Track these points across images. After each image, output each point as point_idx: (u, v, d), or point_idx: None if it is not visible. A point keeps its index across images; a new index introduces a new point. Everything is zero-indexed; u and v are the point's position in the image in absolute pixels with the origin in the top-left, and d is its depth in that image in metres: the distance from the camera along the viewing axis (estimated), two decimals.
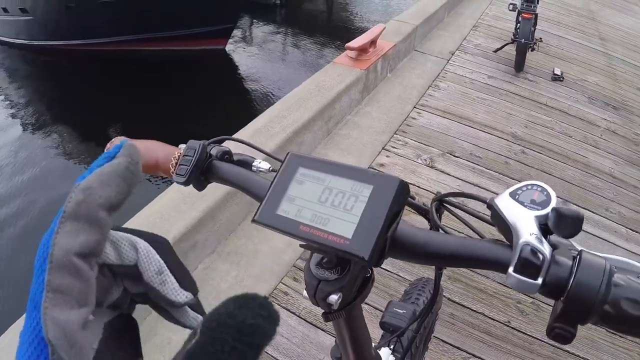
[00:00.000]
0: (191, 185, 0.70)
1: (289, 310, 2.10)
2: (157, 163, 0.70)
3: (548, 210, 0.47)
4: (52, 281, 0.28)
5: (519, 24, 4.76)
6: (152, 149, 0.71)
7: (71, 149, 6.53)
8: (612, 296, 0.40)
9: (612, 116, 4.51)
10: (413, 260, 0.53)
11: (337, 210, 0.49)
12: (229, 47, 9.36)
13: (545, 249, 0.43)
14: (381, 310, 1.17)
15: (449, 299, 2.27)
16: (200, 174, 0.69)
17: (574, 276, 0.42)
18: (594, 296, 0.41)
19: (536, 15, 4.69)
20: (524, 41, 4.60)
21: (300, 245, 0.52)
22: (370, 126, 3.48)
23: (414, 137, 3.46)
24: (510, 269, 0.44)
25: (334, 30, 11.81)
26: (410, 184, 2.98)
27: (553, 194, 0.48)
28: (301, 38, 10.78)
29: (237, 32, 10.08)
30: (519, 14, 4.73)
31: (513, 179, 3.23)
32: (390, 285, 2.27)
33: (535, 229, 0.45)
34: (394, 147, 3.30)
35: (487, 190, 3.07)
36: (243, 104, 7.75)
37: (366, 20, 11.53)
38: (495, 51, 5.13)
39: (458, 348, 2.08)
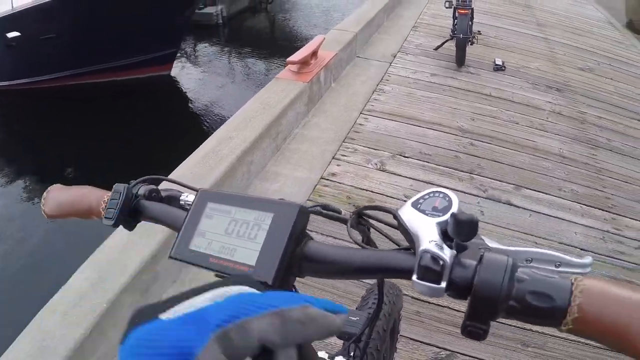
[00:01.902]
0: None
1: None
2: (89, 208, 0.72)
3: (447, 216, 0.48)
4: None
5: (456, 20, 4.84)
6: (85, 195, 0.73)
7: (17, 190, 6.31)
8: (516, 291, 0.42)
9: (557, 98, 4.61)
10: (327, 276, 0.55)
11: (242, 240, 0.52)
12: (174, 72, 9.30)
13: (446, 254, 0.45)
14: None
15: (412, 297, 2.25)
16: (128, 215, 0.70)
17: (477, 276, 0.43)
18: (497, 293, 0.42)
19: (472, 9, 4.80)
20: (462, 36, 4.69)
21: (215, 276, 0.53)
22: (319, 137, 3.48)
23: (363, 142, 3.47)
24: (414, 277, 0.45)
25: (277, 45, 11.86)
26: (363, 189, 2.98)
27: (455, 200, 0.50)
28: (246, 55, 10.81)
29: (181, 56, 10.03)
30: (455, 10, 4.83)
31: (464, 171, 3.26)
32: (352, 292, 2.24)
33: (435, 236, 0.46)
34: (344, 155, 3.30)
35: (440, 186, 3.05)
36: (192, 129, 7.69)
37: (309, 33, 11.57)
38: (436, 49, 5.20)
39: (428, 344, 2.08)
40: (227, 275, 0.51)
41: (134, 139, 6.99)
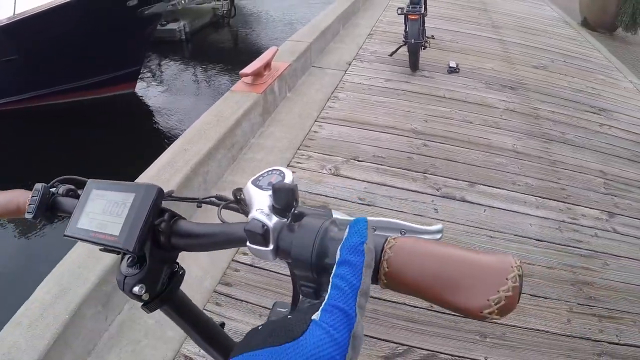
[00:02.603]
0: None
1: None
2: (17, 207, 0.81)
3: None
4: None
5: (407, 26, 4.88)
6: (15, 197, 0.83)
7: None
8: (322, 248, 0.45)
9: (510, 96, 4.68)
10: (195, 249, 0.62)
11: (112, 217, 0.61)
12: (138, 88, 9.24)
13: (271, 220, 0.49)
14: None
15: (371, 297, 2.24)
16: (46, 210, 0.77)
17: (294, 239, 0.47)
18: (308, 253, 0.45)
19: (422, 15, 4.85)
20: (414, 41, 4.73)
21: (100, 250, 0.63)
22: (274, 146, 3.48)
23: (317, 149, 3.47)
24: (248, 242, 0.50)
25: (240, 58, 11.81)
26: (317, 194, 2.98)
27: (288, 174, 0.58)
28: (209, 69, 10.81)
29: (145, 73, 9.98)
30: (406, 16, 4.87)
31: (417, 172, 3.28)
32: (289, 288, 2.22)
33: (264, 206, 0.52)
34: (298, 162, 3.30)
35: (394, 187, 3.11)
36: (155, 144, 7.64)
37: (271, 45, 11.55)
38: (391, 55, 5.25)
39: (385, 340, 2.08)
40: (102, 245, 0.61)
41: (96, 155, 6.94)
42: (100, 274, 2.04)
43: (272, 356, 0.36)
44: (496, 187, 3.20)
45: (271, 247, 0.49)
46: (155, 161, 2.86)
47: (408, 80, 4.76)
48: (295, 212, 0.50)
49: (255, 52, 11.54)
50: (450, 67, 5.07)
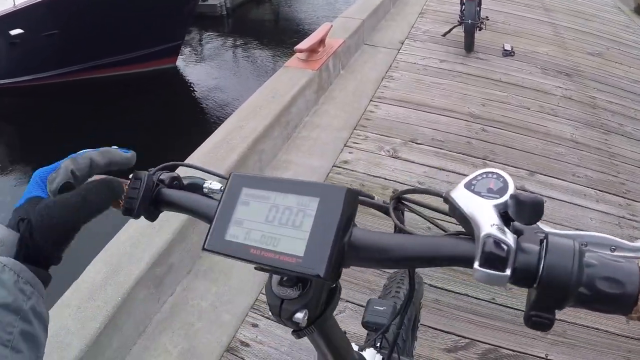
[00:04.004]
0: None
1: (273, 320, 2.04)
2: None
3: (506, 197, 0.45)
4: None
5: (464, 6, 4.78)
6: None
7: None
8: (586, 277, 0.39)
9: (566, 83, 4.56)
10: (374, 266, 0.54)
11: (286, 228, 0.48)
12: (180, 64, 9.23)
13: (509, 238, 0.41)
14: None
15: (430, 285, 2.24)
16: (150, 205, 0.65)
17: (544, 262, 0.40)
18: (567, 280, 0.39)
19: None
20: (470, 22, 4.63)
21: (255, 268, 0.50)
22: (329, 124, 3.45)
23: (374, 130, 3.44)
24: (476, 264, 0.41)
25: (283, 34, 11.81)
26: (376, 176, 2.96)
27: (510, 180, 0.46)
28: (251, 46, 10.76)
29: (186, 48, 9.97)
30: None
31: (477, 157, 3.23)
32: (371, 280, 2.23)
33: (495, 219, 0.43)
34: (355, 143, 3.27)
35: (454, 172, 3.07)
36: (200, 119, 7.66)
37: (313, 23, 11.50)
38: (444, 35, 5.15)
39: (447, 332, 2.06)
40: (270, 267, 0.48)
41: (142, 131, 6.95)
42: (153, 254, 2.00)
43: None
44: (556, 178, 3.14)
45: (508, 272, 0.41)
46: (210, 137, 2.84)
47: (463, 62, 4.67)
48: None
49: (298, 29, 11.64)
50: (505, 50, 4.96)
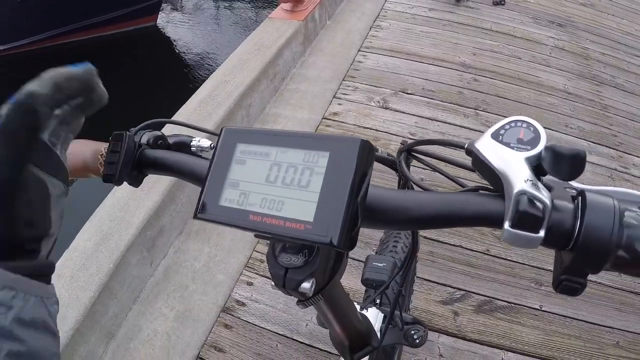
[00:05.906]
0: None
1: (267, 277, 1.99)
2: (85, 164, 0.60)
3: (540, 149, 0.39)
4: None
5: None
6: (77, 150, 0.59)
7: None
8: (626, 239, 0.35)
9: (559, 33, 4.46)
10: (390, 227, 0.48)
11: (291, 190, 0.41)
12: (160, 22, 8.95)
13: (544, 195, 0.37)
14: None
15: (425, 237, 2.22)
16: (133, 169, 0.58)
17: (582, 222, 0.36)
18: (607, 242, 0.35)
19: None
20: None
21: (255, 236, 0.44)
22: (317, 76, 3.33)
23: (364, 80, 3.33)
24: (507, 224, 0.37)
25: None
26: (368, 128, 2.88)
27: (542, 130, 0.41)
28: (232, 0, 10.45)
29: (166, 5, 9.66)
30: None
31: (469, 107, 3.15)
32: (366, 234, 2.17)
33: (529, 174, 0.38)
34: (344, 94, 3.16)
35: (445, 122, 2.99)
36: (185, 77, 7.48)
37: None
38: None
39: (443, 284, 2.05)
40: (273, 235, 0.40)
41: (124, 94, 6.76)
42: (143, 217, 1.94)
43: None
44: (548, 128, 3.07)
45: (542, 233, 0.36)
46: (195, 93, 2.72)
47: (452, 11, 4.52)
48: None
49: None
50: None
